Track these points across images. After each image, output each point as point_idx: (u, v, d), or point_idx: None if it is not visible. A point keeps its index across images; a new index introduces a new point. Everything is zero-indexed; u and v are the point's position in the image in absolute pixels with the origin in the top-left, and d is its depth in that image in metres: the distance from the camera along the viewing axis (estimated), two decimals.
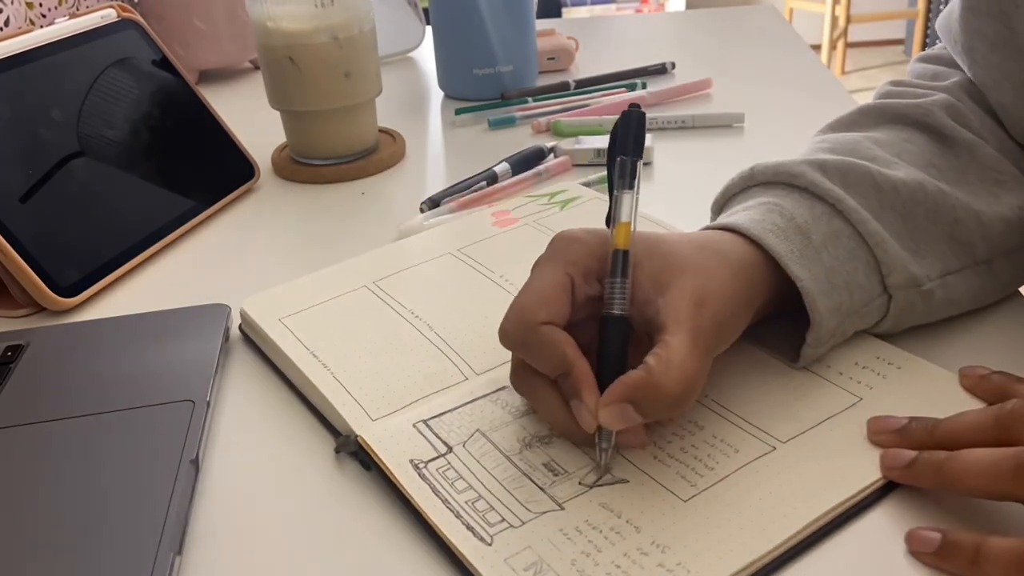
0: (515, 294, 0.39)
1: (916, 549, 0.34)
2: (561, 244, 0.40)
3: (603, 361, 0.38)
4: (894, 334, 0.45)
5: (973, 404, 0.40)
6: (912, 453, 0.36)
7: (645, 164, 0.70)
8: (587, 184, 0.66)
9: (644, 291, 0.39)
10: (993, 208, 0.46)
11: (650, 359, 0.36)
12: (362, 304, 0.50)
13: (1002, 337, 0.46)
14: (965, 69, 0.51)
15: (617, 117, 0.42)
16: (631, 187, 0.40)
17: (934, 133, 0.49)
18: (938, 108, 0.49)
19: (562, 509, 0.36)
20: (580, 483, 0.37)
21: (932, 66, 0.55)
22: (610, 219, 0.40)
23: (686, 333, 0.37)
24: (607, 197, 0.42)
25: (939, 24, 0.54)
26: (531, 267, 0.40)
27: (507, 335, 0.39)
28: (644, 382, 0.36)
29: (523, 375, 0.40)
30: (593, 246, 0.40)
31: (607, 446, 0.37)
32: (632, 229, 0.39)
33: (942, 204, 0.45)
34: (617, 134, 0.41)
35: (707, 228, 0.44)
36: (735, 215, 0.44)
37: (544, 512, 0.36)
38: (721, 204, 0.49)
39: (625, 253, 0.39)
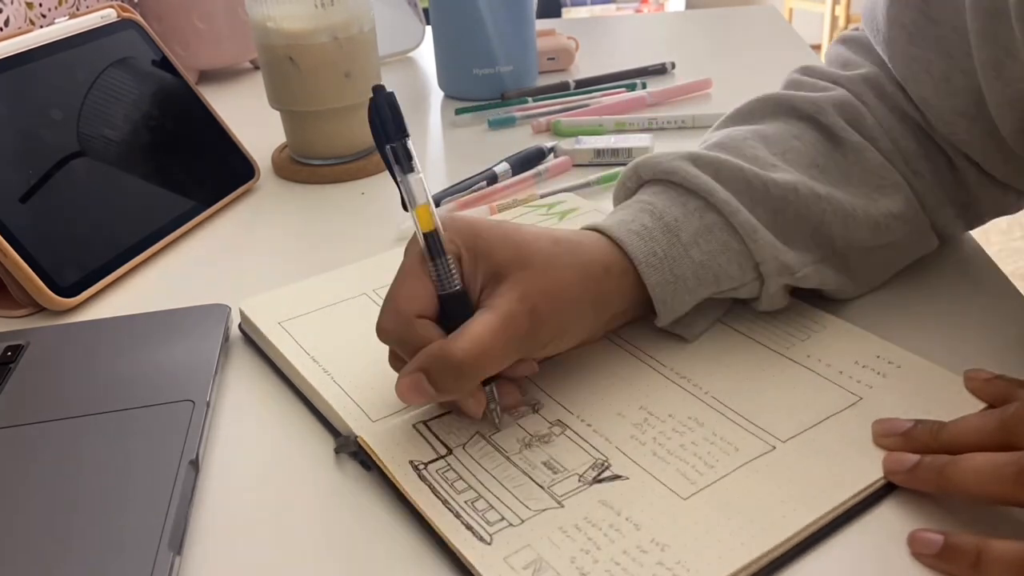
0: None
1: (918, 551, 0.34)
2: (411, 247, 0.41)
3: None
4: (774, 312, 0.47)
5: (973, 403, 0.40)
6: (915, 457, 0.36)
7: None
8: (586, 185, 0.66)
9: (487, 278, 0.40)
10: (866, 211, 0.47)
11: (454, 333, 0.38)
12: (362, 311, 0.50)
13: (1002, 337, 0.46)
14: (886, 60, 0.50)
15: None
16: (412, 170, 0.40)
17: (825, 131, 0.49)
18: (831, 106, 0.49)
19: (561, 507, 0.36)
20: (579, 479, 0.37)
21: (847, 52, 0.54)
22: (405, 206, 0.40)
23: (494, 314, 0.38)
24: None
25: (864, 10, 0.53)
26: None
27: (386, 333, 0.40)
28: (437, 348, 0.38)
29: (399, 363, 0.41)
30: (452, 230, 0.40)
31: (495, 406, 0.40)
32: (430, 208, 0.40)
33: (812, 207, 0.45)
34: (374, 125, 0.40)
35: (584, 228, 0.46)
36: (609, 216, 0.46)
37: (544, 510, 0.36)
38: (619, 203, 0.49)
39: (432, 234, 0.39)
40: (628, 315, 0.45)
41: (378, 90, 0.39)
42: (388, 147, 0.40)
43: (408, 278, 0.40)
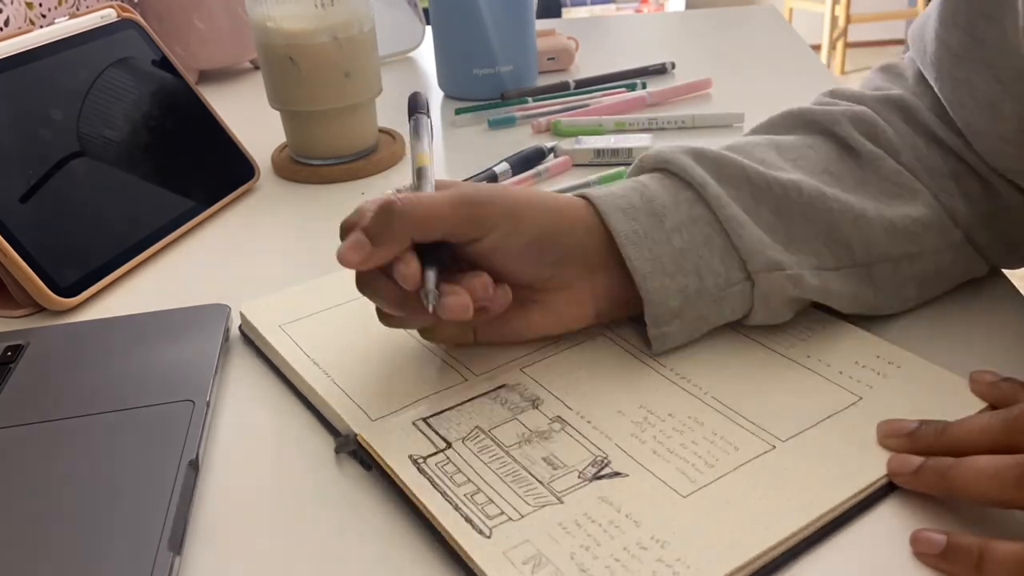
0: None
1: (920, 550, 0.33)
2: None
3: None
4: (778, 323, 0.45)
5: (974, 404, 0.40)
6: (919, 459, 0.36)
7: None
8: (585, 185, 0.66)
9: (475, 229, 0.42)
10: (879, 212, 0.46)
11: None
12: (363, 315, 0.50)
13: (1003, 337, 0.46)
14: (932, 81, 0.50)
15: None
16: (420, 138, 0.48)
17: (840, 142, 0.49)
18: (845, 119, 0.49)
19: (561, 503, 0.36)
20: (579, 476, 0.37)
21: (879, 79, 0.55)
22: (412, 152, 0.47)
23: (451, 188, 0.42)
24: None
25: (912, 30, 0.53)
26: None
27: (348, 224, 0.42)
28: (385, 200, 0.40)
29: (363, 276, 0.43)
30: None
31: (426, 292, 0.40)
32: (431, 158, 0.46)
33: (818, 205, 0.45)
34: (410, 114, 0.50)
35: (570, 191, 0.48)
36: (601, 188, 0.46)
37: (543, 505, 0.36)
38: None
39: (422, 168, 0.45)
40: (593, 277, 0.44)
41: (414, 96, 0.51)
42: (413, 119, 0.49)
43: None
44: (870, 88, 0.54)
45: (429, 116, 0.50)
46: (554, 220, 0.43)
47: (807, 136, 0.50)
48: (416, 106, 0.50)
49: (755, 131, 0.53)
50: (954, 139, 0.49)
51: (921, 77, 0.52)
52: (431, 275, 0.40)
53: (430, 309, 0.40)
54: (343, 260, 0.40)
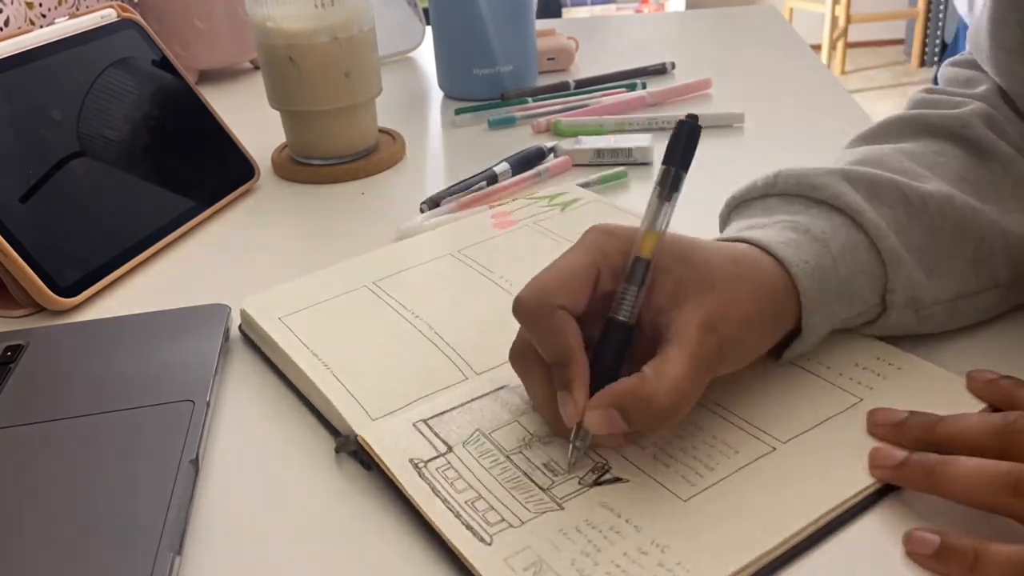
0: (514, 295, 0.39)
1: (914, 550, 0.33)
2: (596, 236, 0.40)
3: (597, 362, 0.38)
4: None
5: (974, 405, 0.40)
6: (903, 453, 0.36)
7: (644, 164, 0.71)
8: (585, 185, 0.66)
9: (663, 298, 0.38)
10: (1021, 227, 0.45)
11: (647, 369, 0.36)
12: (362, 304, 0.50)
13: (1003, 338, 0.46)
14: (997, 79, 0.50)
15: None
16: (669, 198, 0.39)
17: (969, 146, 0.47)
18: (976, 118, 0.48)
19: (562, 509, 0.36)
20: (579, 482, 0.37)
21: (964, 70, 0.54)
22: (643, 223, 0.39)
23: (687, 351, 0.36)
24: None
25: (969, 36, 0.53)
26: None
27: (522, 308, 0.38)
28: (635, 390, 0.36)
29: (522, 351, 0.40)
30: (628, 243, 0.39)
31: (581, 445, 0.38)
32: (660, 240, 0.39)
33: (971, 219, 0.44)
34: (670, 141, 0.40)
35: (734, 239, 0.43)
36: (761, 230, 0.43)
37: (544, 512, 0.36)
38: (736, 204, 0.47)
39: (647, 263, 0.38)
40: (781, 338, 0.42)
41: (690, 117, 0.40)
42: (663, 166, 0.40)
43: (569, 268, 0.38)
44: (960, 83, 0.53)
45: (685, 170, 0.40)
46: (772, 309, 0.40)
47: (931, 142, 0.48)
48: (674, 155, 0.39)
49: (863, 139, 0.50)
50: None
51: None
52: (581, 433, 0.37)
53: (572, 457, 0.38)
54: (593, 431, 0.37)
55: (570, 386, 0.37)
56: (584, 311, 0.38)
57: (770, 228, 0.43)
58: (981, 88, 0.51)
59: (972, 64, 0.54)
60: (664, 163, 0.40)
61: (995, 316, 0.47)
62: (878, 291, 0.42)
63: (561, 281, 0.38)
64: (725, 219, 0.49)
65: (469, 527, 0.35)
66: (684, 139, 0.39)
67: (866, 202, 0.43)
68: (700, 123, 0.40)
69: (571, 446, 0.38)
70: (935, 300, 0.43)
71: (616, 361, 0.38)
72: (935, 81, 0.57)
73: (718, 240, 0.43)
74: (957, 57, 0.56)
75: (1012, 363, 0.43)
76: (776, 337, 0.41)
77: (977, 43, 0.51)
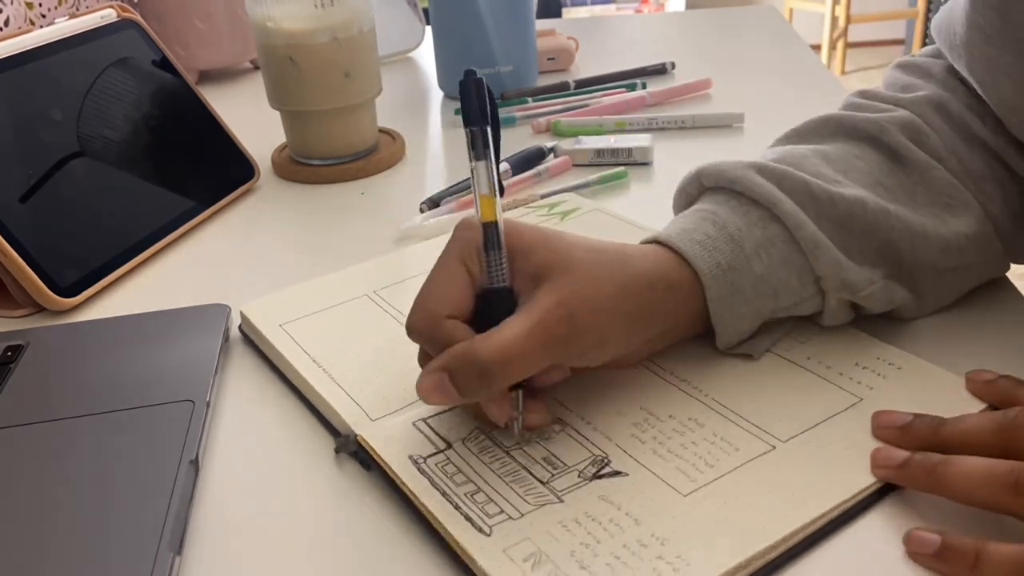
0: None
1: (915, 550, 0.33)
2: (457, 235, 0.40)
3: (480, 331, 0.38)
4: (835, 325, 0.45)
5: (974, 405, 0.40)
6: (905, 453, 0.36)
7: (644, 164, 0.71)
8: (585, 185, 0.66)
9: (525, 281, 0.39)
10: (937, 230, 0.45)
11: (480, 335, 0.37)
12: (362, 312, 0.51)
13: (1003, 338, 0.46)
14: (963, 67, 0.50)
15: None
16: (485, 157, 0.39)
17: (887, 151, 0.48)
18: (894, 126, 0.48)
19: (562, 502, 0.36)
20: (579, 475, 0.37)
21: (905, 76, 0.54)
22: (473, 192, 0.39)
23: (527, 319, 0.37)
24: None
25: (936, 22, 0.53)
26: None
27: (414, 330, 0.39)
28: (462, 348, 0.36)
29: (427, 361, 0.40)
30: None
31: (518, 415, 0.39)
32: (496, 199, 0.39)
33: (881, 223, 0.44)
34: (462, 104, 0.40)
35: (643, 242, 0.44)
36: (671, 225, 0.44)
37: (543, 504, 0.36)
38: (680, 208, 0.48)
39: (494, 224, 0.38)
40: (671, 336, 0.44)
41: (468, 74, 0.39)
42: (467, 130, 0.39)
43: (442, 276, 0.39)
44: (898, 88, 0.53)
45: (492, 126, 0.40)
46: (641, 305, 0.40)
47: (851, 145, 0.49)
48: (470, 114, 0.39)
49: (787, 138, 0.51)
50: (990, 134, 0.48)
51: (950, 72, 0.52)
52: (519, 404, 0.39)
53: (516, 434, 0.39)
54: (425, 399, 0.37)
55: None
56: (473, 311, 0.39)
57: (688, 219, 0.44)
58: (914, 95, 0.51)
59: (916, 68, 0.54)
60: (466, 126, 0.39)
61: (994, 317, 0.47)
62: (807, 279, 0.43)
63: (439, 293, 0.39)
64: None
65: (468, 519, 0.35)
66: (474, 96, 0.39)
67: (780, 192, 0.43)
68: (480, 75, 0.40)
69: (511, 422, 0.39)
70: (869, 280, 0.44)
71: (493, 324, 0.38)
72: None
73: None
74: (905, 59, 0.56)
75: (1012, 363, 0.43)
76: (656, 331, 0.42)
77: (947, 29, 0.50)
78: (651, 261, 0.41)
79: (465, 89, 0.39)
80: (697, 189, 0.47)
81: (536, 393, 0.40)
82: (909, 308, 0.46)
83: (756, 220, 0.43)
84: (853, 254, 0.44)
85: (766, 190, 0.43)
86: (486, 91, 0.39)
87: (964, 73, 0.50)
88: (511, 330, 0.36)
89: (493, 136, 0.40)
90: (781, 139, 0.52)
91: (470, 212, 0.62)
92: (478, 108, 0.39)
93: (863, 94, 0.53)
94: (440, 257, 0.40)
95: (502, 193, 0.39)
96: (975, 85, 0.49)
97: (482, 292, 0.39)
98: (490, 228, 0.38)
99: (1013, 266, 0.51)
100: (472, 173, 0.39)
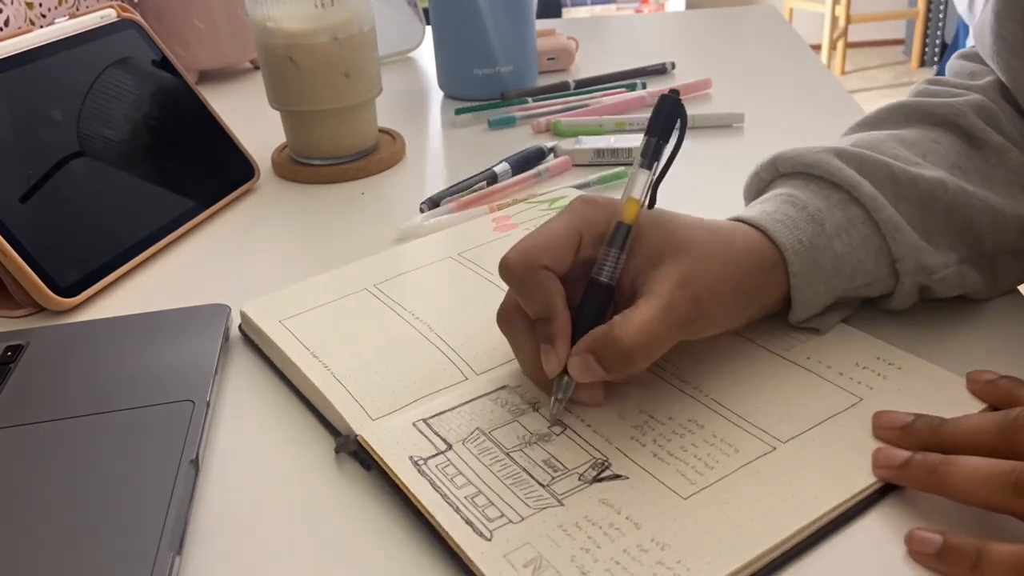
0: None
1: (916, 549, 0.33)
2: (580, 205, 0.42)
3: (580, 321, 0.40)
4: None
5: (974, 405, 0.40)
6: (906, 453, 0.36)
7: None
8: (585, 185, 0.66)
9: (640, 262, 0.40)
10: (1016, 211, 0.46)
11: (617, 316, 0.38)
12: (363, 306, 0.51)
13: (1003, 337, 0.46)
14: (999, 73, 0.51)
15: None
16: (649, 167, 0.41)
17: (963, 134, 0.49)
18: (970, 109, 0.49)
19: (562, 505, 0.36)
20: (579, 478, 0.37)
21: (970, 64, 0.55)
22: (624, 192, 0.41)
23: (657, 300, 0.38)
24: None
25: (974, 29, 0.54)
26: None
27: (508, 268, 0.41)
28: (605, 333, 0.38)
29: (509, 312, 0.42)
30: (610, 213, 0.41)
31: (563, 397, 0.40)
32: (642, 207, 0.41)
33: (961, 203, 0.45)
34: (652, 115, 0.42)
35: (731, 219, 0.45)
36: (751, 208, 0.46)
37: (544, 508, 0.36)
38: (753, 195, 0.50)
39: (628, 227, 0.40)
40: (766, 311, 0.45)
41: (674, 92, 0.42)
42: (645, 138, 0.42)
43: (553, 231, 0.41)
44: (965, 75, 0.54)
45: (673, 145, 0.42)
46: (748, 282, 0.42)
47: (927, 129, 0.50)
48: (655, 126, 0.42)
49: (860, 126, 0.52)
50: None
51: None
52: (563, 386, 0.40)
53: (552, 415, 0.41)
54: (577, 378, 0.39)
55: (553, 340, 0.39)
56: (567, 274, 0.40)
57: (768, 202, 0.45)
58: (983, 80, 0.52)
59: (978, 58, 0.55)
60: (646, 135, 0.42)
61: (994, 317, 0.47)
62: (883, 261, 0.44)
63: (545, 243, 0.40)
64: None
65: (469, 522, 0.35)
66: (664, 113, 0.42)
67: (859, 176, 0.44)
68: (681, 97, 0.42)
69: (552, 399, 0.40)
70: (945, 264, 0.45)
71: (596, 320, 0.40)
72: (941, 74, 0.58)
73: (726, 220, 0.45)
74: (966, 50, 0.57)
75: (1012, 363, 0.43)
76: (757, 307, 0.43)
77: (981, 38, 0.52)
78: (752, 239, 0.43)
79: (662, 106, 0.42)
80: (770, 175, 0.48)
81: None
82: (979, 292, 0.47)
83: (837, 202, 0.44)
84: (933, 235, 0.45)
85: (845, 173, 0.44)
86: (681, 112, 0.42)
87: (1001, 77, 0.50)
88: (645, 314, 0.38)
89: (670, 155, 0.42)
90: (854, 127, 0.52)
91: (470, 211, 0.62)
92: (665, 122, 0.42)
93: (934, 81, 0.54)
94: (556, 217, 0.41)
95: (651, 206, 0.42)
96: (1013, 91, 0.50)
97: (590, 281, 0.40)
98: (622, 228, 0.40)
99: None
100: (631, 175, 0.41)
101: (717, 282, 0.40)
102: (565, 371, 0.40)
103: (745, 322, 0.45)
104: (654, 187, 0.42)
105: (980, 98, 0.50)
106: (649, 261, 0.40)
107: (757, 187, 0.49)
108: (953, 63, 0.57)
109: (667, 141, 0.42)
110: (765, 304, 0.44)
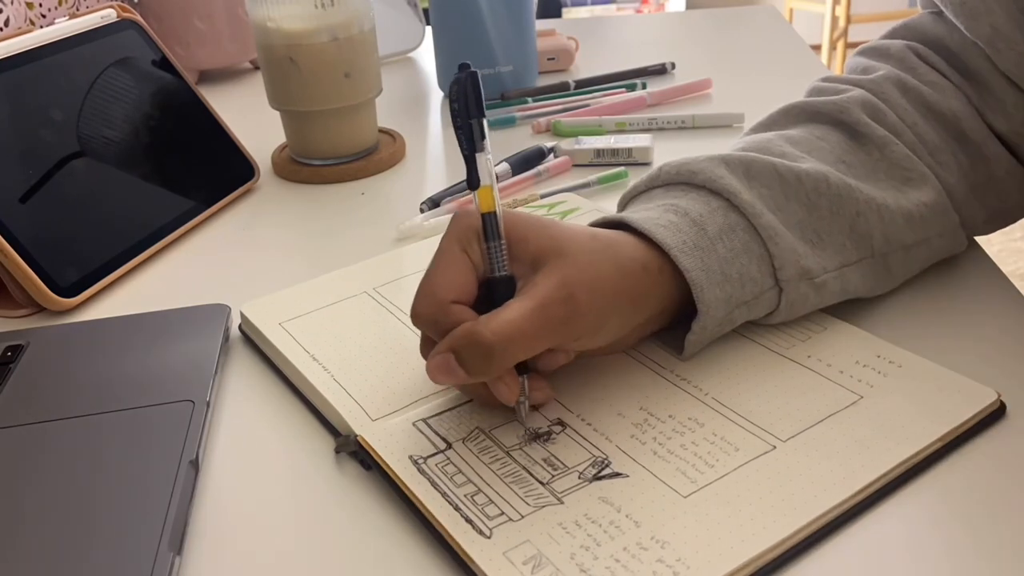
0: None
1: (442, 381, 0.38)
2: (454, 224, 0.41)
3: None
4: (787, 322, 0.46)
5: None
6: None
7: (644, 164, 0.71)
8: (585, 185, 0.66)
9: (523, 268, 0.40)
10: (898, 202, 0.47)
11: (483, 316, 0.38)
12: (362, 309, 0.51)
13: (1002, 337, 0.46)
14: (949, 5, 0.51)
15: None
16: (483, 149, 0.40)
17: (847, 130, 0.50)
18: (854, 104, 0.50)
19: (561, 503, 0.36)
20: (579, 476, 0.37)
21: (865, 60, 0.56)
22: (471, 184, 0.40)
23: (529, 300, 0.38)
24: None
25: None
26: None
27: (420, 318, 0.40)
28: (467, 329, 0.37)
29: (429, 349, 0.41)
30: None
31: (523, 400, 0.40)
32: (494, 189, 0.40)
33: (846, 196, 0.46)
34: (456, 101, 0.40)
35: (599, 223, 0.45)
36: (633, 213, 0.45)
37: (543, 506, 0.36)
38: (625, 203, 0.49)
39: (492, 215, 0.40)
40: (661, 320, 0.44)
41: (463, 68, 0.40)
42: (471, 122, 0.40)
43: (444, 263, 0.40)
44: (858, 71, 0.55)
45: (483, 117, 0.40)
46: (632, 287, 0.41)
47: (813, 127, 0.50)
48: (471, 107, 0.40)
49: (755, 129, 0.53)
50: (949, 103, 0.50)
51: (908, 49, 0.53)
52: (526, 388, 0.40)
53: (522, 417, 0.40)
54: (434, 379, 0.39)
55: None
56: (476, 296, 0.40)
57: (651, 210, 0.44)
58: (874, 75, 0.53)
59: (873, 52, 0.56)
60: (464, 119, 0.40)
61: (994, 316, 0.47)
62: (766, 269, 0.43)
63: (443, 279, 0.40)
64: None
65: (469, 520, 0.35)
66: (471, 89, 0.40)
67: (743, 183, 0.44)
68: (474, 68, 0.40)
69: (518, 408, 0.40)
70: (824, 268, 0.45)
71: None
72: None
73: (593, 223, 0.45)
74: (866, 45, 0.57)
75: (1012, 363, 0.43)
76: (647, 315, 0.43)
77: None
78: (633, 243, 0.42)
79: (461, 84, 0.40)
80: (647, 184, 0.47)
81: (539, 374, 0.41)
82: (869, 292, 0.47)
83: (716, 208, 0.44)
84: (824, 235, 0.45)
85: (726, 181, 0.44)
86: (479, 84, 0.40)
87: (949, 11, 0.51)
88: (513, 311, 0.37)
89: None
90: (747, 131, 0.53)
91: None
92: (475, 101, 0.40)
93: (825, 79, 0.55)
94: (440, 245, 0.41)
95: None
96: (961, 22, 0.50)
97: (485, 280, 0.40)
98: (489, 218, 0.40)
99: (1013, 267, 0.51)
100: (470, 165, 0.40)
101: (597, 284, 0.39)
102: (522, 372, 0.39)
103: (639, 332, 0.44)
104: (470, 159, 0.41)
105: (864, 93, 0.51)
106: (530, 265, 0.39)
107: (633, 192, 0.48)
108: (851, 60, 0.58)
109: (484, 116, 0.40)
110: (655, 312, 0.43)
